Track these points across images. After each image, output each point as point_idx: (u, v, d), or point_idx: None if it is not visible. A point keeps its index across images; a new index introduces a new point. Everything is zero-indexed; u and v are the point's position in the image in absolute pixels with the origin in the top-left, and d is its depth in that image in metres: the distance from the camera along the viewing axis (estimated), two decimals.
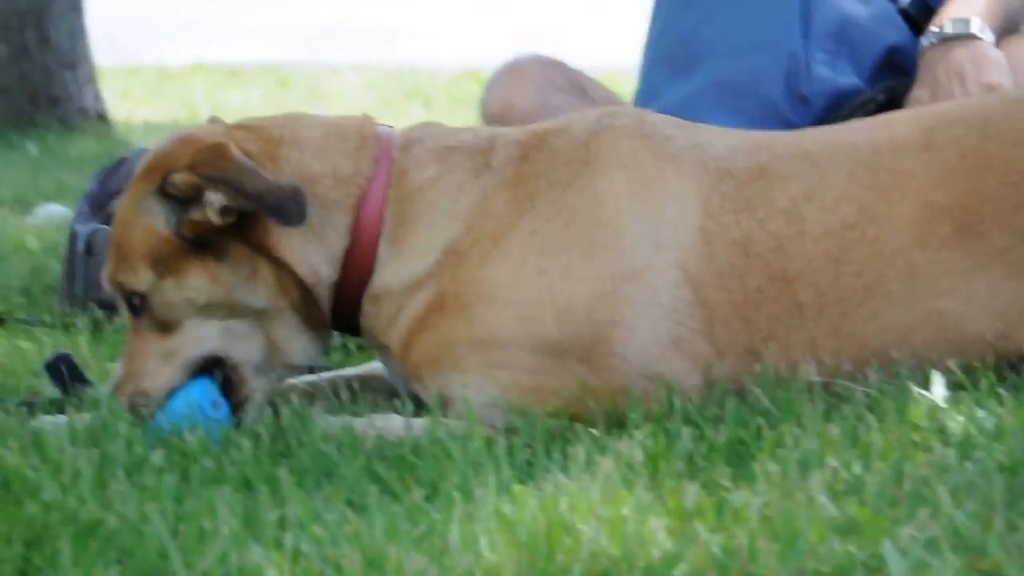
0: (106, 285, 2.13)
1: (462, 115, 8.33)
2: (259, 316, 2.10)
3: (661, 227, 2.07)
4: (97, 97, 6.63)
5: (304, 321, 2.13)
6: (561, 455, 1.90)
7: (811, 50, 2.91)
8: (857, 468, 1.78)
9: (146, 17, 14.21)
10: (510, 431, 1.99)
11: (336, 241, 2.11)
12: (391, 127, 2.22)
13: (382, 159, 2.14)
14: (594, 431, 1.96)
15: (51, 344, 2.71)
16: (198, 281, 2.07)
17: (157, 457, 1.87)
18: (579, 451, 1.85)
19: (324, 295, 2.12)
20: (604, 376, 2.03)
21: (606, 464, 1.79)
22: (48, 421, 2.09)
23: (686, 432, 1.93)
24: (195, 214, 2.06)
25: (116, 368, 2.16)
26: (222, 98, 8.73)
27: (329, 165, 2.12)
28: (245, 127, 2.15)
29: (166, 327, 2.09)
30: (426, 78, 10.02)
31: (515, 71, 2.88)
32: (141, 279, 2.08)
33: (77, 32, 6.48)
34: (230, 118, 7.28)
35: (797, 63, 2.91)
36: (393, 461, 1.89)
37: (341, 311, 2.14)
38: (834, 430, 1.90)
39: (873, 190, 2.11)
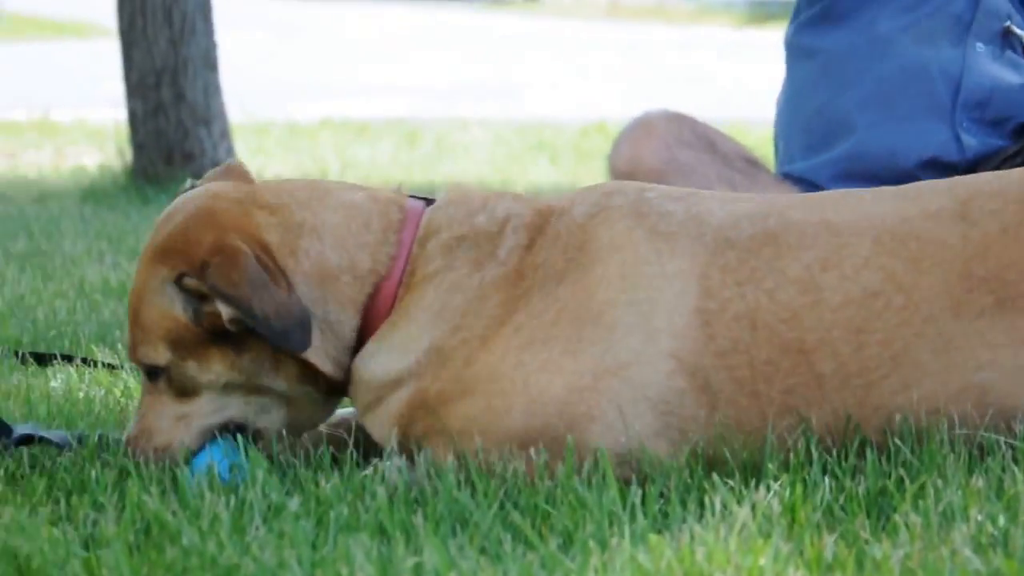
0: (128, 354, 2.13)
1: (589, 168, 8.35)
2: (280, 396, 2.11)
3: (654, 315, 2.01)
4: (230, 152, 6.75)
5: (328, 395, 2.14)
6: (696, 505, 1.88)
7: (958, 118, 2.86)
8: (1003, 521, 1.73)
9: (275, 74, 14.51)
10: (644, 480, 1.98)
11: (350, 336, 2.09)
12: (424, 205, 2.15)
13: (399, 257, 2.10)
14: (729, 481, 1.93)
15: None
16: (219, 367, 2.07)
17: (293, 504, 1.89)
18: (715, 501, 1.82)
19: (344, 379, 2.12)
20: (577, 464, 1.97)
21: (743, 514, 1.77)
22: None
23: (824, 482, 1.89)
24: (210, 309, 2.05)
25: (129, 425, 2.16)
26: (351, 153, 8.86)
27: (348, 259, 2.09)
28: (268, 208, 2.09)
29: (184, 393, 2.10)
30: (553, 132, 10.07)
31: (643, 127, 2.85)
32: (161, 356, 2.08)
33: (212, 90, 6.61)
34: (358, 173, 7.31)
35: (942, 133, 2.85)
36: (527, 509, 1.89)
37: None
38: (978, 482, 1.85)
39: (900, 258, 2.02)
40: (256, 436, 2.12)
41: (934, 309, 2.00)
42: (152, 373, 2.10)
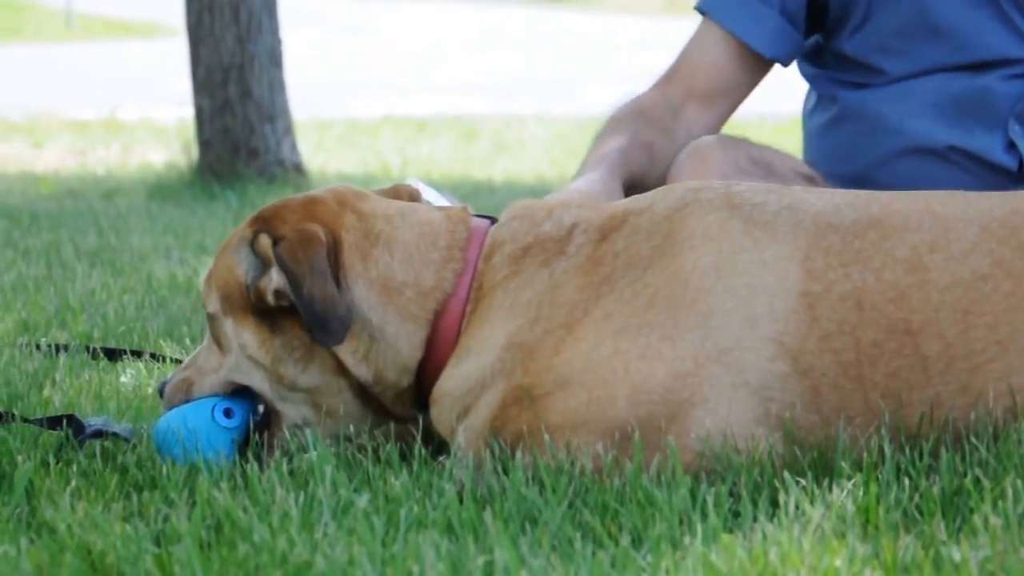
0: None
1: None
2: (309, 392, 2.14)
3: (753, 301, 1.99)
4: (294, 149, 6.78)
5: (362, 402, 2.15)
6: (769, 504, 1.86)
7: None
8: None
9: (337, 72, 14.57)
10: (715, 479, 1.96)
11: (409, 353, 2.10)
12: (490, 223, 2.17)
13: (465, 273, 2.11)
14: (801, 480, 1.92)
15: None
16: (249, 338, 2.15)
17: (363, 501, 1.89)
18: (788, 500, 1.80)
19: (387, 396, 2.13)
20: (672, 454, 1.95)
21: (816, 514, 1.75)
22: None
23: (898, 482, 1.87)
24: (263, 282, 2.12)
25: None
26: (411, 150, 8.89)
27: (413, 275, 2.11)
28: (359, 213, 2.14)
29: (221, 346, 2.20)
30: None
31: (697, 157, 2.72)
32: (211, 303, 2.19)
33: (277, 86, 6.64)
34: (418, 169, 7.36)
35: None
36: (597, 508, 1.88)
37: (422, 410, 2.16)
38: None
39: (1009, 246, 1.99)
40: (271, 419, 2.17)
41: None
42: (209, 318, 2.22)
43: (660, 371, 1.97)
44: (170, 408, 2.22)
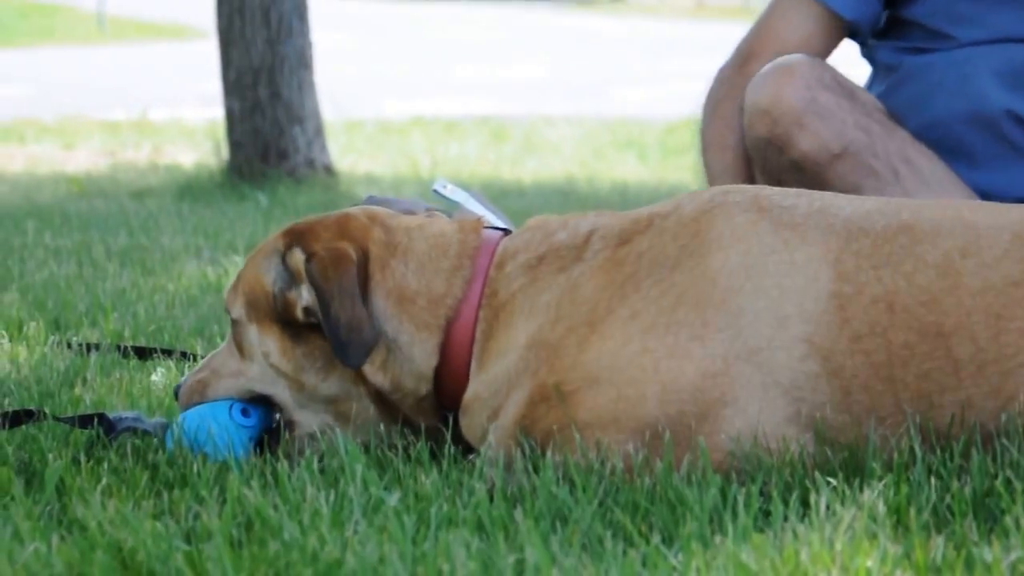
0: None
1: (676, 164, 8.31)
2: (330, 401, 2.18)
3: (784, 301, 1.98)
4: (323, 150, 6.81)
5: (379, 410, 2.17)
6: (800, 504, 1.85)
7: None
8: None
9: (368, 74, 14.61)
10: (746, 479, 1.95)
11: (423, 360, 2.13)
12: (501, 234, 2.20)
13: (475, 280, 2.13)
14: (832, 480, 1.91)
15: None
16: (272, 346, 2.18)
17: (393, 499, 1.89)
18: (819, 500, 1.80)
19: (407, 403, 2.15)
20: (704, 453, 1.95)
21: (847, 514, 1.74)
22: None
23: (930, 483, 1.86)
24: (291, 295, 2.15)
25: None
26: (440, 150, 8.90)
27: (425, 284, 2.14)
28: (385, 226, 2.19)
29: (243, 353, 2.23)
30: (640, 128, 10.05)
31: (784, 69, 2.78)
32: (236, 309, 2.23)
33: (306, 88, 6.67)
34: (448, 169, 7.38)
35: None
36: (627, 507, 1.87)
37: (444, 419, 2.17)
38: None
39: None
40: (289, 427, 2.20)
41: None
42: (232, 323, 2.25)
43: (690, 370, 1.97)
44: (185, 409, 2.25)
